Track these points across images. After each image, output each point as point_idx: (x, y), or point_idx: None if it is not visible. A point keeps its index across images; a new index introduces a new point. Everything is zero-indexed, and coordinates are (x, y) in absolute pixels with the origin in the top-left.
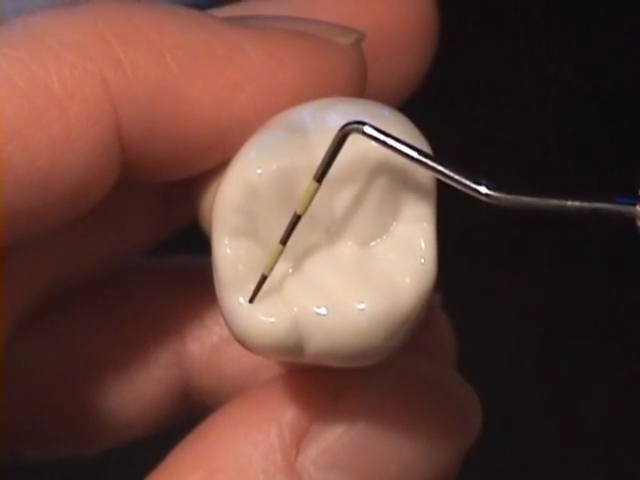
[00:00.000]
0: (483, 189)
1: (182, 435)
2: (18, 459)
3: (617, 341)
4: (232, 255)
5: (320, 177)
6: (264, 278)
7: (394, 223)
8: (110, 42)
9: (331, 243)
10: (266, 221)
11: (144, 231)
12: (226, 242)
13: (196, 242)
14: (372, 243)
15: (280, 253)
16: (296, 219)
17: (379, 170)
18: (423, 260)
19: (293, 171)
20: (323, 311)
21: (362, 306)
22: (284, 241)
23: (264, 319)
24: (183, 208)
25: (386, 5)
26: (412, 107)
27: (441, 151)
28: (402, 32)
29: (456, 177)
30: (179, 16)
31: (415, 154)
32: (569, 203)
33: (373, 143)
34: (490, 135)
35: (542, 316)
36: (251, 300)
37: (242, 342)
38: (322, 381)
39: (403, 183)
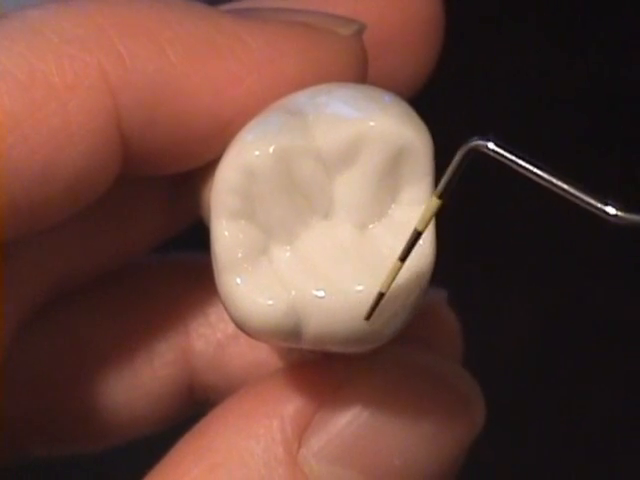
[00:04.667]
0: (611, 210)
1: (185, 430)
2: (24, 457)
3: (618, 341)
4: (230, 237)
5: (442, 194)
6: (381, 295)
7: (392, 206)
8: (109, 34)
9: (329, 226)
10: (264, 203)
11: (150, 228)
12: (224, 224)
13: (200, 239)
14: (370, 226)
15: (399, 270)
16: (417, 236)
17: (378, 153)
18: (421, 242)
19: (291, 153)
20: (321, 294)
21: (360, 288)
22: (403, 258)
23: (262, 301)
24: (188, 205)
25: (390, 1)
26: (416, 104)
27: (440, 146)
28: (407, 28)
29: (583, 197)
30: (178, 8)
31: (541, 172)
32: None
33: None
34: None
35: (542, 315)
36: (367, 318)
37: (240, 325)
38: (324, 374)
39: (402, 166)
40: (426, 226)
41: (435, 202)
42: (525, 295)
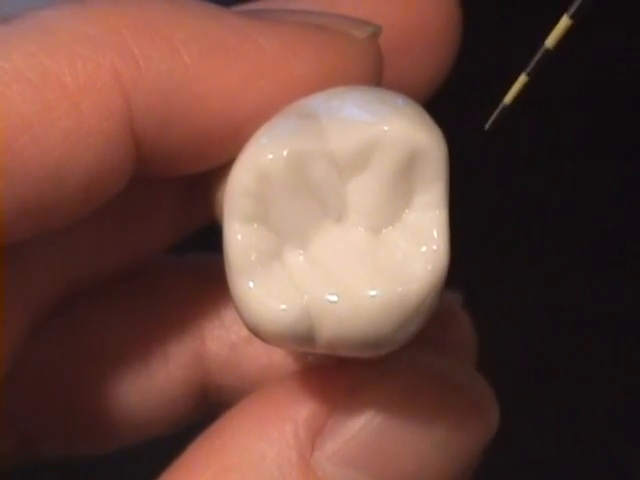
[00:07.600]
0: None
1: (198, 432)
2: (37, 457)
3: (618, 340)
4: (243, 241)
5: (574, 14)
6: (504, 108)
7: (406, 210)
8: (123, 35)
9: (343, 230)
10: (277, 207)
11: (163, 229)
12: (237, 227)
13: (215, 240)
14: (384, 230)
15: (525, 84)
16: (544, 52)
17: (392, 157)
18: (435, 247)
19: (305, 156)
20: (334, 298)
21: (373, 293)
22: (529, 72)
23: (275, 306)
24: (202, 206)
25: (407, 3)
26: (430, 106)
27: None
28: (422, 31)
29: None
30: (192, 9)
31: None
32: None
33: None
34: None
35: (543, 315)
36: (487, 126)
37: (253, 330)
38: (337, 377)
39: (415, 170)
40: (557, 44)
41: (566, 22)
42: (525, 295)
